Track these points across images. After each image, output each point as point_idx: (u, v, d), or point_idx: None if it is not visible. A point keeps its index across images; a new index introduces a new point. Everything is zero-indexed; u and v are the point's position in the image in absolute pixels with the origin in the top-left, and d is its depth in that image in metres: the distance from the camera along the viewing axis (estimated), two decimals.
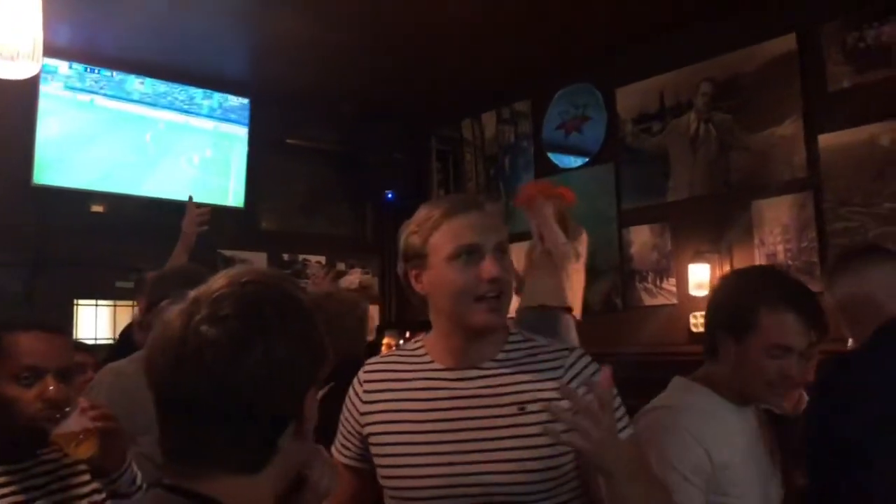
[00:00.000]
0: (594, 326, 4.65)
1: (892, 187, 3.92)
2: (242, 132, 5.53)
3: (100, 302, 5.04)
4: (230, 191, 5.49)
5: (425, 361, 1.50)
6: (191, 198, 3.39)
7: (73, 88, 4.84)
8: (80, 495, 1.58)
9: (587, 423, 1.18)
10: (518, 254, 3.81)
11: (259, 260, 5.68)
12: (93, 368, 2.73)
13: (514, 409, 1.40)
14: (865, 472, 1.63)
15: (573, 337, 3.94)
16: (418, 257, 1.44)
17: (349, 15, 4.42)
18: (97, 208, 4.95)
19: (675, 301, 4.72)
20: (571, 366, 1.44)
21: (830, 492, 1.68)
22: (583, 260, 4.07)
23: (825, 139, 4.15)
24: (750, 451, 1.57)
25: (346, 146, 6.08)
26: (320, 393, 0.99)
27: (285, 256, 5.94)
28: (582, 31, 4.71)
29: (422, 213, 1.46)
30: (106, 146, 4.99)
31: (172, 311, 0.90)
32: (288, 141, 5.89)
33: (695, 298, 4.50)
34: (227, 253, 5.40)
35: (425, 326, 1.56)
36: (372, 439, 1.49)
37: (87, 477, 1.59)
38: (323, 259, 6.11)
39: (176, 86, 5.25)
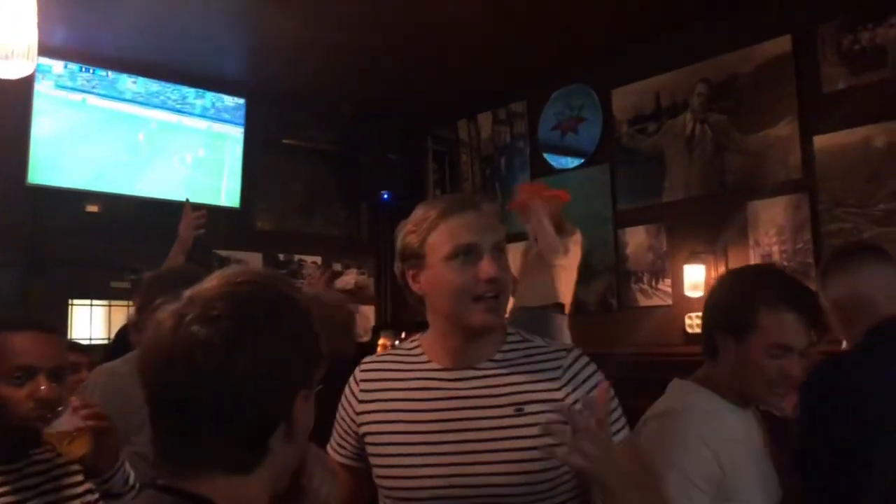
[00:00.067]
0: (589, 327, 4.66)
1: (886, 189, 3.93)
2: (235, 132, 5.51)
3: (95, 302, 5.03)
4: (223, 190, 5.47)
5: (422, 361, 1.50)
6: (187, 201, 3.38)
7: (64, 87, 4.81)
8: (73, 495, 1.58)
9: (586, 443, 1.17)
10: (513, 255, 3.81)
11: (254, 260, 5.68)
12: (87, 368, 2.73)
13: (511, 410, 1.39)
14: (865, 473, 1.63)
15: (566, 336, 3.94)
16: (416, 257, 1.44)
17: (345, 15, 4.42)
18: (92, 208, 4.93)
19: (670, 302, 4.72)
20: (569, 367, 1.44)
21: (830, 492, 1.67)
22: (574, 259, 4.06)
23: (820, 140, 4.16)
24: (753, 453, 1.57)
25: (341, 146, 6.07)
26: None
27: (281, 257, 5.93)
28: (578, 32, 4.71)
29: (419, 212, 1.46)
30: (99, 146, 4.97)
31: (165, 312, 0.90)
32: (284, 141, 5.88)
33: (690, 299, 4.51)
34: (223, 253, 5.39)
35: (421, 327, 1.55)
36: (368, 439, 1.48)
37: (80, 477, 1.59)
38: (319, 259, 6.11)
39: (168, 85, 5.22)
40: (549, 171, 5.40)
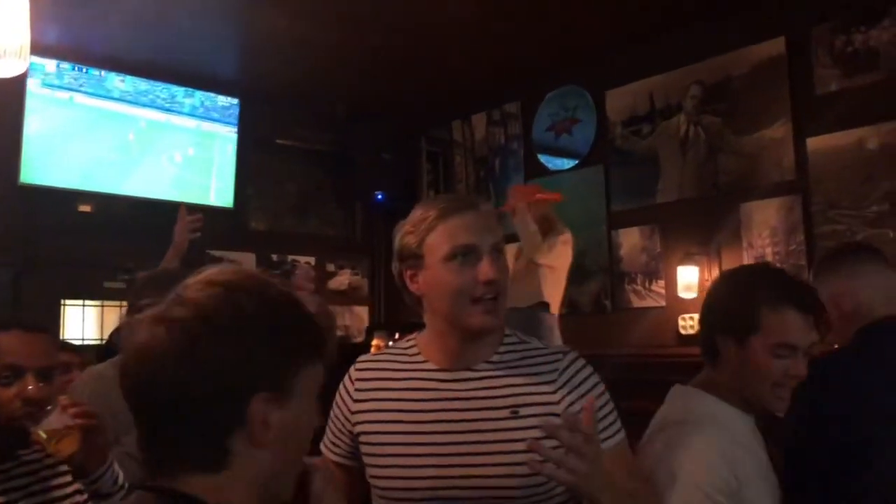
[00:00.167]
0: (583, 328, 4.67)
1: (879, 190, 3.94)
2: (225, 130, 5.48)
3: (87, 302, 5.01)
4: (212, 189, 5.44)
5: (418, 361, 1.49)
6: (183, 205, 3.37)
7: (51, 86, 4.76)
8: (61, 496, 1.57)
9: (573, 460, 1.16)
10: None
11: (248, 260, 5.66)
12: (79, 368, 2.72)
13: (506, 413, 1.39)
14: (864, 473, 1.63)
15: (556, 336, 3.92)
16: (414, 257, 1.43)
17: (340, 15, 4.41)
18: (85, 208, 4.91)
19: (663, 303, 4.72)
20: (565, 370, 1.43)
21: (830, 492, 1.67)
22: (562, 259, 4.03)
23: (813, 142, 4.17)
24: (760, 460, 1.53)
25: (335, 146, 6.06)
26: None
27: (274, 257, 5.92)
28: (572, 34, 4.72)
29: (417, 212, 1.45)
30: (88, 145, 4.93)
31: (142, 314, 0.91)
32: (277, 141, 5.87)
33: (683, 301, 4.52)
34: (217, 253, 5.38)
35: (415, 328, 1.55)
36: (362, 438, 1.48)
37: (68, 478, 1.58)
38: (312, 260, 6.10)
39: (157, 83, 5.18)
40: (544, 172, 5.40)
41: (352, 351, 2.79)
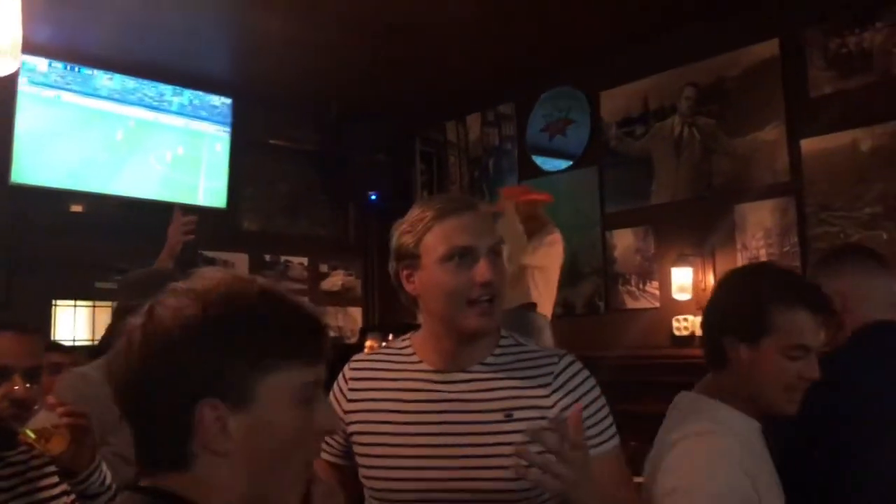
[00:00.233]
0: (577, 329, 4.66)
1: (872, 192, 3.95)
2: (213, 129, 5.43)
3: (78, 303, 4.98)
4: (200, 189, 5.39)
5: (413, 362, 1.48)
6: (177, 206, 3.35)
7: (37, 83, 4.69)
8: (48, 497, 1.56)
9: (559, 466, 1.14)
10: None
11: (240, 261, 5.64)
12: (69, 369, 2.69)
13: (500, 416, 1.38)
14: (865, 473, 1.62)
15: (546, 337, 3.89)
16: (411, 257, 1.42)
17: (333, 15, 4.40)
18: (76, 208, 4.88)
19: (657, 304, 4.72)
20: (560, 373, 1.42)
21: (830, 493, 1.66)
22: (548, 259, 3.99)
23: (807, 144, 4.18)
24: (771, 469, 1.50)
25: (329, 147, 6.04)
26: None
27: (267, 257, 5.90)
28: (566, 34, 4.71)
29: (415, 212, 1.44)
30: (75, 144, 4.86)
31: (127, 320, 0.93)
32: (271, 141, 5.85)
33: (678, 302, 4.51)
34: (209, 254, 5.36)
35: (409, 329, 1.54)
36: (355, 438, 1.47)
37: (55, 479, 1.57)
38: (305, 260, 6.08)
39: (145, 82, 5.12)
40: (538, 173, 5.40)
41: (345, 352, 2.78)
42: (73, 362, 2.85)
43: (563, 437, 1.15)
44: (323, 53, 4.87)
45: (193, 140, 5.37)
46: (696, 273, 4.49)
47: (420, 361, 1.47)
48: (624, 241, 4.94)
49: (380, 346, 4.57)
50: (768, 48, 4.34)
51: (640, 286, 4.83)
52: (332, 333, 1.03)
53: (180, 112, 5.31)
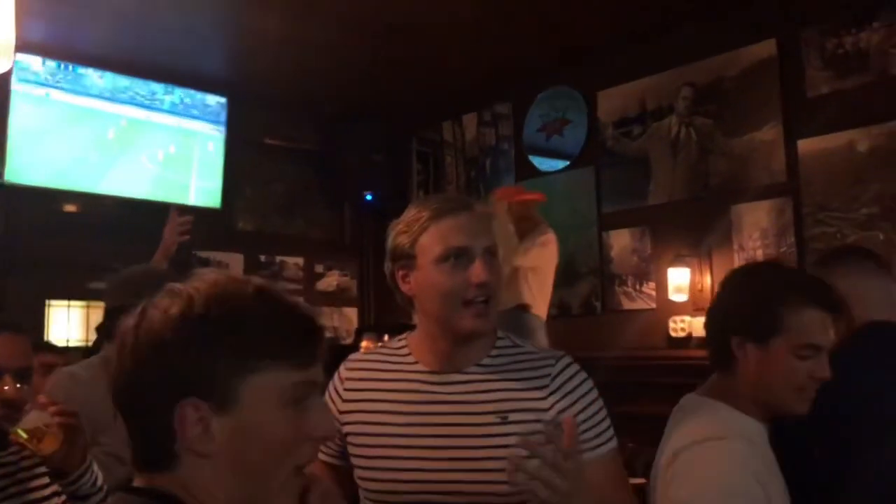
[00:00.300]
0: (573, 330, 4.65)
1: (869, 193, 3.94)
2: (205, 128, 5.40)
3: (72, 303, 4.96)
4: (191, 188, 5.35)
5: (409, 362, 1.47)
6: (173, 206, 3.34)
7: (26, 81, 4.63)
8: (39, 498, 1.55)
9: (549, 474, 1.13)
10: None
11: (235, 261, 5.62)
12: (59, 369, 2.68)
13: (495, 418, 1.37)
14: (865, 473, 1.61)
15: (540, 337, 3.88)
16: (406, 258, 1.42)
17: (329, 15, 4.39)
18: (70, 208, 4.86)
19: (654, 305, 4.71)
20: (557, 375, 1.41)
21: (830, 493, 1.65)
22: (541, 260, 3.98)
23: (804, 144, 4.17)
24: (779, 475, 1.47)
25: (325, 147, 6.03)
26: None
27: (262, 258, 5.88)
28: (563, 34, 4.71)
29: (411, 212, 1.44)
30: (66, 143, 4.81)
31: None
32: (266, 141, 5.83)
33: (674, 303, 4.51)
34: (204, 254, 5.34)
35: (405, 330, 1.53)
36: (350, 438, 1.46)
37: (46, 479, 1.56)
38: (301, 261, 6.07)
39: (136, 80, 5.08)
40: (534, 173, 5.39)
41: (341, 352, 2.77)
42: (65, 363, 2.84)
43: (556, 447, 1.13)
44: (319, 53, 4.86)
45: (185, 139, 5.33)
46: (692, 274, 4.48)
47: (416, 362, 1.46)
48: (620, 241, 4.93)
49: (376, 347, 4.57)
50: (765, 48, 4.34)
51: (637, 287, 4.82)
52: (327, 334, 1.02)
53: (172, 111, 5.27)
